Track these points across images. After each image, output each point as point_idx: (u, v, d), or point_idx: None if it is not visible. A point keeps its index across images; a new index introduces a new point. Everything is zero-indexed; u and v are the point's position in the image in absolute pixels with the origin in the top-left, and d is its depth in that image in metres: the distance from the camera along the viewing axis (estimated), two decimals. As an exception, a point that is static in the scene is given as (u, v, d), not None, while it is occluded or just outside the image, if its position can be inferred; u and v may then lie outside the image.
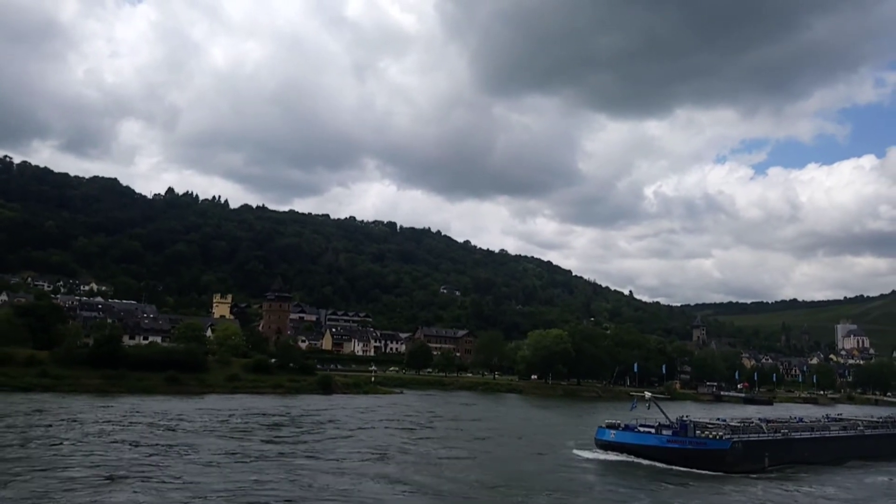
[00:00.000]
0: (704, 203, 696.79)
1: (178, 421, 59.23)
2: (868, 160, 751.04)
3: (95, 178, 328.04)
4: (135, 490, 33.23)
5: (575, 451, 52.93)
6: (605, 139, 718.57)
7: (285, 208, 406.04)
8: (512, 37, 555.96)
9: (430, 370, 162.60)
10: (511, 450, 55.55)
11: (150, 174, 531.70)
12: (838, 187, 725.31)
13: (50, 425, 52.33)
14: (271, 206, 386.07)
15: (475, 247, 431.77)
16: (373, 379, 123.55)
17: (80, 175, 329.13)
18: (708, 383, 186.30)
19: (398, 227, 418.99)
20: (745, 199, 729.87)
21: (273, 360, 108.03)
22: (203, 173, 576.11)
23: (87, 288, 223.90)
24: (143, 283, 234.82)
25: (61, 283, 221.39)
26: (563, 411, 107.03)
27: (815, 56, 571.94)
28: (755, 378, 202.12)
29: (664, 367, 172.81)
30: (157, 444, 45.99)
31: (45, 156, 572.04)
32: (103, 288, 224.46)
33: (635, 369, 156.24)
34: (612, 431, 52.96)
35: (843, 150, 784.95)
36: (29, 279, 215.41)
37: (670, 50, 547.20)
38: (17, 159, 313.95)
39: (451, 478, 40.80)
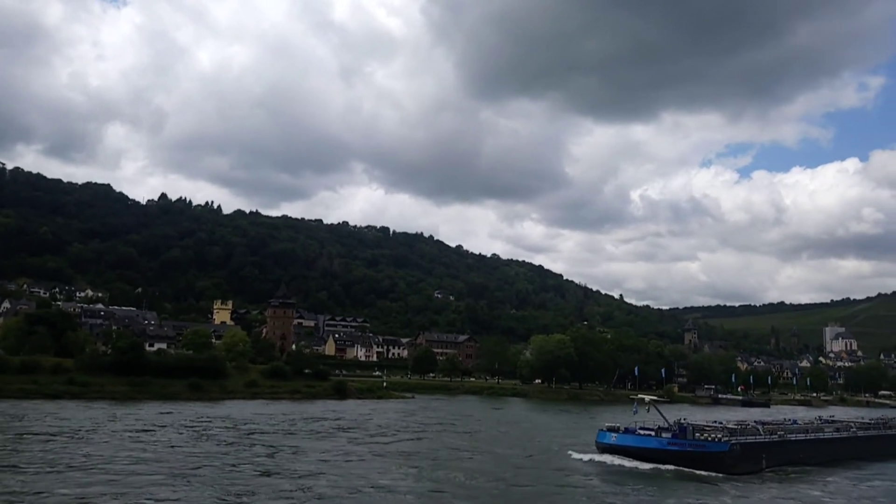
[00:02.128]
0: (690, 206, 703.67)
1: (251, 425, 62.58)
2: (852, 163, 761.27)
3: (88, 184, 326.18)
4: (300, 487, 36.27)
5: (578, 455, 53.39)
6: (591, 143, 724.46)
7: (272, 212, 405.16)
8: (499, 41, 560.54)
9: (432, 374, 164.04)
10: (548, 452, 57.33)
11: (135, 178, 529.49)
12: (822, 190, 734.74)
13: (149, 430, 55.43)
14: (258, 211, 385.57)
15: (467, 251, 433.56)
16: (384, 384, 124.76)
17: (73, 181, 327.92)
18: (706, 386, 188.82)
19: (391, 231, 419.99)
20: (730, 202, 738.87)
21: (288, 366, 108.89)
22: (189, 177, 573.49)
23: (82, 294, 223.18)
24: (141, 289, 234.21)
25: (57, 289, 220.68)
26: (572, 415, 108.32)
27: (799, 61, 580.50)
28: (751, 381, 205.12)
29: (663, 370, 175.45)
30: (265, 445, 50.01)
31: (30, 160, 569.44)
32: (99, 294, 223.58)
33: (636, 373, 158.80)
34: (614, 434, 53.73)
35: (827, 154, 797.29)
36: (25, 286, 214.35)
37: (656, 54, 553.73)
38: (9, 165, 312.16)
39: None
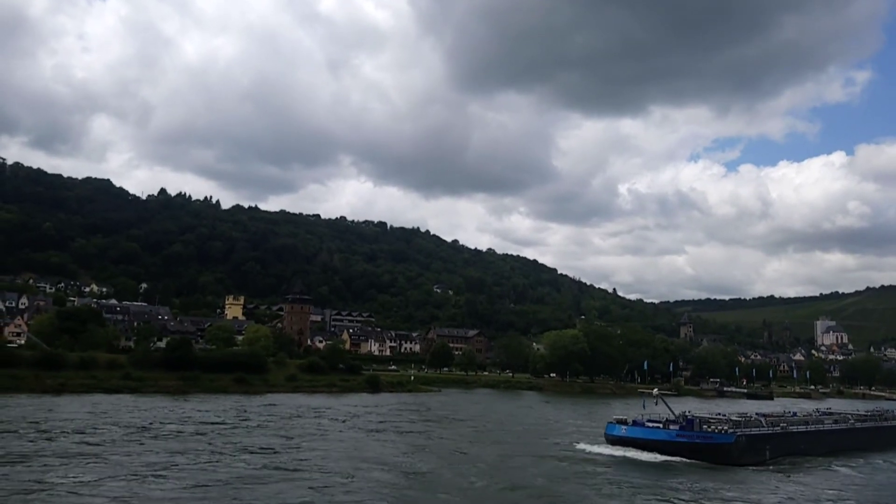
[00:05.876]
0: (677, 200, 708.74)
1: (368, 417, 69.92)
2: (838, 157, 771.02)
3: (88, 179, 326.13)
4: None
5: (588, 447, 54.91)
6: (580, 137, 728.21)
7: (260, 205, 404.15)
8: (487, 34, 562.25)
9: (447, 369, 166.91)
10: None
11: (121, 171, 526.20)
12: (808, 184, 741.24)
13: (288, 419, 63.36)
14: (257, 206, 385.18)
15: (463, 246, 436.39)
16: (412, 378, 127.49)
17: (73, 176, 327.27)
18: (711, 380, 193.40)
19: (388, 226, 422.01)
20: (717, 196, 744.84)
21: (323, 361, 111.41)
22: (175, 170, 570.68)
23: (87, 290, 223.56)
24: (146, 284, 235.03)
25: (62, 284, 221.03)
26: (586, 407, 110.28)
27: (786, 55, 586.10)
28: (753, 374, 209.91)
29: (671, 364, 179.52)
30: (408, 432, 59.10)
31: (14, 151, 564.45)
32: (104, 289, 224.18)
33: (645, 367, 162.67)
34: (623, 427, 55.74)
35: (813, 148, 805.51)
36: (31, 281, 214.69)
37: (644, 49, 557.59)
38: (9, 160, 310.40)
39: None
